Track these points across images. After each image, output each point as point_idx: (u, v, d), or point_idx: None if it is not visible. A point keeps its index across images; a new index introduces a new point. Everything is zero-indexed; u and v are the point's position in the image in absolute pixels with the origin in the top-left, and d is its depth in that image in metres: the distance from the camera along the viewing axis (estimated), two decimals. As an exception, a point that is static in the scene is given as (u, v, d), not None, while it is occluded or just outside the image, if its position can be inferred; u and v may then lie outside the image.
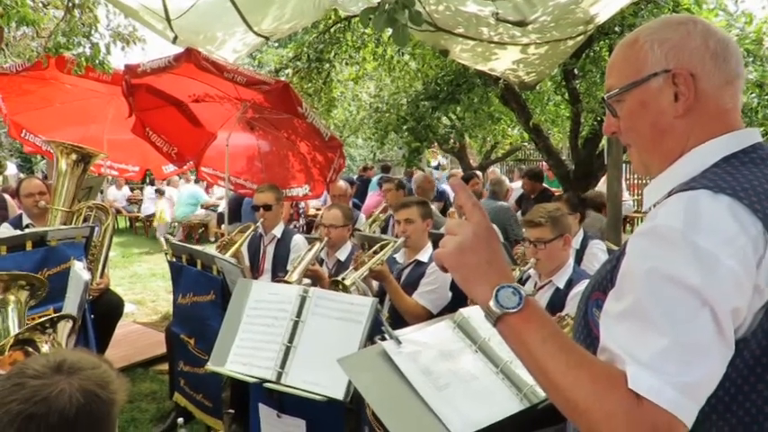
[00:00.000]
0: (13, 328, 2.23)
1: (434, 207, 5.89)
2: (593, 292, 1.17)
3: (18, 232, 3.93)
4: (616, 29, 5.44)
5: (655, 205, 1.12)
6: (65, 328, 2.08)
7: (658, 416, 0.90)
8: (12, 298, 2.33)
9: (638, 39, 1.15)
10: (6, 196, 5.70)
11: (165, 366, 4.71)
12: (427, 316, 3.44)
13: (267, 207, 4.30)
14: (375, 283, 3.66)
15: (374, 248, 3.72)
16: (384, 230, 5.42)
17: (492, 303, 1.03)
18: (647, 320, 0.94)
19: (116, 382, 1.22)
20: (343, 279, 3.30)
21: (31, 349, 1.90)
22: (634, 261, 1.02)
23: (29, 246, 3.49)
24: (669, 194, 1.06)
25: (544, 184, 7.78)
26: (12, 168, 14.56)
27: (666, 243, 0.96)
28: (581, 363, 0.97)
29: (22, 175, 13.28)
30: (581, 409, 0.94)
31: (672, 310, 0.93)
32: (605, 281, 1.13)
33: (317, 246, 3.81)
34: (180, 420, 3.37)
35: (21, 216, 4.49)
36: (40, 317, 3.23)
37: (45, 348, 1.90)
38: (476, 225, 1.08)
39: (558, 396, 0.98)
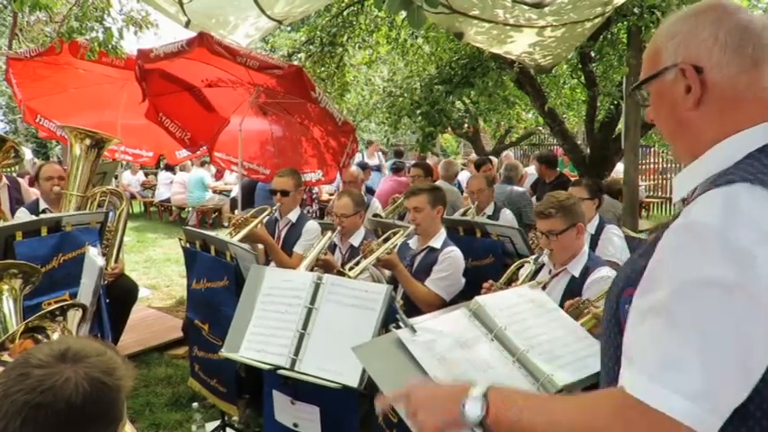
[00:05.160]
0: (11, 317, 2.23)
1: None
2: (626, 288, 1.14)
3: (34, 217, 3.96)
4: (635, 10, 5.32)
5: (686, 198, 1.10)
6: (75, 315, 2.08)
7: (666, 424, 0.89)
8: (5, 287, 2.32)
9: (659, 32, 1.17)
10: (21, 181, 5.72)
11: (181, 351, 4.76)
12: (440, 303, 3.42)
13: (284, 193, 4.28)
14: (387, 271, 3.65)
15: (384, 236, 3.69)
16: (402, 217, 5.40)
17: (467, 421, 1.12)
18: (673, 323, 0.92)
19: (122, 369, 1.21)
20: (350, 270, 3.28)
21: (41, 337, 1.89)
22: (666, 258, 1.00)
23: (44, 231, 3.52)
24: (702, 187, 1.04)
25: (561, 170, 7.70)
26: (27, 154, 14.66)
27: (700, 241, 0.94)
28: (565, 414, 1.03)
29: (36, 161, 13.38)
30: None
31: (701, 312, 0.90)
32: (640, 277, 1.10)
33: (328, 235, 3.79)
34: (194, 405, 3.41)
35: (37, 200, 4.52)
36: (56, 301, 3.28)
37: (55, 336, 1.89)
38: (417, 397, 1.24)
39: None
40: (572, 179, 6.84)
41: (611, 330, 1.18)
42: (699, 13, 1.11)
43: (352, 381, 2.25)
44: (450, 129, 10.70)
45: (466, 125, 11.48)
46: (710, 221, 0.94)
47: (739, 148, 1.05)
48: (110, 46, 5.29)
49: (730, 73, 1.07)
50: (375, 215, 5.17)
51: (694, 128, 1.11)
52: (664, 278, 0.97)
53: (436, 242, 3.62)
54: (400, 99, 7.76)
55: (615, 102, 6.57)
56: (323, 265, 3.59)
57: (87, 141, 4.29)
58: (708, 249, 0.92)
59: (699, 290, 0.91)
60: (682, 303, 0.92)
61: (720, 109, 1.08)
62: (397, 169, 8.64)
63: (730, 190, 0.97)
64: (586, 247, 3.07)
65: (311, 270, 3.42)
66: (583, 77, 7.13)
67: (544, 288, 2.98)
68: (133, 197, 13.25)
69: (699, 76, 1.08)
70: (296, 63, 7.01)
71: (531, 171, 9.02)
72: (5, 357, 1.79)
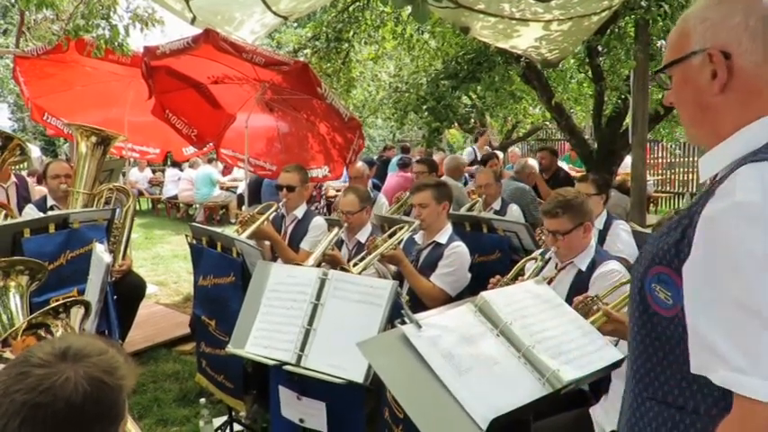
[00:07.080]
0: (18, 313, 2.23)
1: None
2: (653, 266, 1.15)
3: (42, 214, 3.98)
4: (642, 3, 5.27)
5: (716, 178, 1.11)
6: (78, 312, 2.08)
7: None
8: (12, 284, 2.33)
9: (688, 17, 1.18)
10: (28, 179, 5.76)
11: (188, 347, 4.78)
12: (445, 298, 3.42)
13: (290, 188, 4.25)
14: (393, 266, 3.64)
15: (389, 231, 3.68)
16: (409, 213, 5.39)
17: None
18: (746, 313, 0.93)
19: (124, 368, 1.19)
20: (354, 266, 3.28)
21: (44, 334, 1.89)
22: (721, 242, 1.00)
23: (51, 228, 3.54)
24: (730, 167, 1.05)
25: (564, 165, 7.66)
26: (35, 151, 14.72)
27: (749, 220, 0.95)
28: None
29: (45, 158, 13.43)
30: None
31: None
32: (669, 255, 1.12)
33: (334, 231, 3.79)
34: (202, 400, 3.43)
35: (45, 197, 4.54)
36: (64, 298, 3.30)
37: (59, 333, 1.89)
38: None
39: None
40: (570, 176, 6.82)
41: (635, 309, 1.19)
42: (729, 0, 1.13)
43: (358, 376, 2.25)
44: (456, 124, 10.65)
45: (472, 120, 11.44)
46: (754, 199, 0.96)
47: (767, 130, 1.07)
48: (116, 43, 5.30)
49: (757, 60, 1.09)
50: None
51: (717, 113, 1.13)
52: (723, 265, 0.98)
53: (442, 237, 3.61)
54: (406, 95, 7.73)
55: (623, 96, 6.52)
56: (329, 261, 3.59)
57: (93, 139, 4.31)
58: (758, 228, 0.94)
59: (760, 272, 0.92)
60: (749, 290, 0.93)
61: (745, 96, 1.10)
62: (403, 165, 8.63)
63: (765, 165, 0.98)
64: (594, 242, 3.04)
65: (318, 266, 3.42)
66: (590, 72, 7.09)
67: (550, 283, 2.97)
68: (141, 194, 13.30)
69: (726, 61, 1.09)
70: (302, 59, 7.00)
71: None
72: (7, 354, 1.80)
